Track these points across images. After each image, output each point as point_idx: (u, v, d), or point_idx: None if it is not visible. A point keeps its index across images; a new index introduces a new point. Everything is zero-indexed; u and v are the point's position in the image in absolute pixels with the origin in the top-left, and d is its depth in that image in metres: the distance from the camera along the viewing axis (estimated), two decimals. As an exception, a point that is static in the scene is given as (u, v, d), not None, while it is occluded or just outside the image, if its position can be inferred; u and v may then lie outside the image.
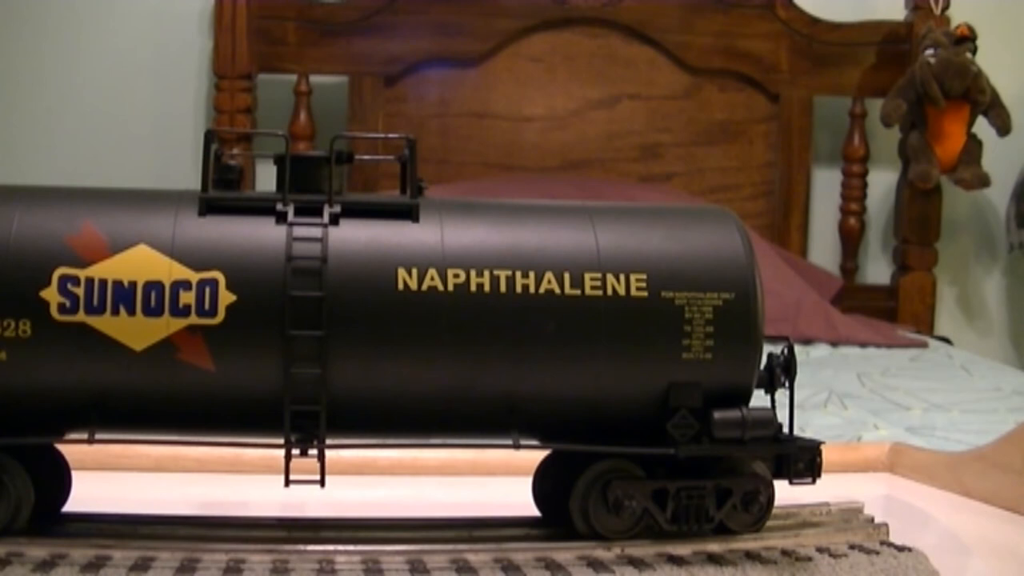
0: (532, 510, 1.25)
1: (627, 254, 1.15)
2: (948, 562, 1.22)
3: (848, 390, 2.62)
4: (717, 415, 1.14)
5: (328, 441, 1.11)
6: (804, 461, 1.19)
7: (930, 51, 3.69)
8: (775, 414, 1.18)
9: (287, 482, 1.11)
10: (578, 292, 1.13)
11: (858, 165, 3.90)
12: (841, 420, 2.32)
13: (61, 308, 1.07)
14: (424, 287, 1.11)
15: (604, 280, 1.14)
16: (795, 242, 3.90)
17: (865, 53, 3.87)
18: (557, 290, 1.13)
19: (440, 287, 1.11)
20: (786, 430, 1.20)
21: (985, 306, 4.17)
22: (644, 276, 1.14)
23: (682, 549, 1.14)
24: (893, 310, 3.87)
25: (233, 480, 1.58)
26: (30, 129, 3.79)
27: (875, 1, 3.97)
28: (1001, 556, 1.43)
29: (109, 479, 1.52)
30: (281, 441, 1.11)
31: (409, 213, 1.14)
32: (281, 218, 1.12)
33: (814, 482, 1.20)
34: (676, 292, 1.14)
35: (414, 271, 1.11)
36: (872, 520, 1.27)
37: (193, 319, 1.08)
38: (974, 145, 3.78)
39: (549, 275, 1.13)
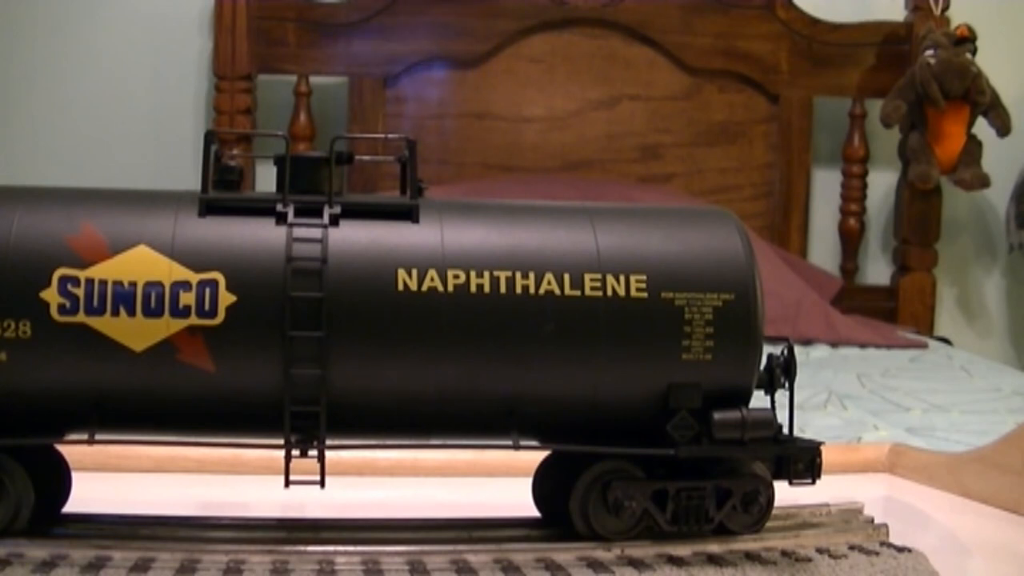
0: (532, 511, 1.25)
1: (627, 255, 1.15)
2: (948, 563, 1.22)
3: (848, 391, 2.62)
4: (717, 416, 1.14)
5: (328, 442, 1.11)
6: (804, 462, 1.19)
7: (930, 52, 3.69)
8: (775, 415, 1.18)
9: (287, 483, 1.10)
10: (578, 293, 1.13)
11: (858, 166, 3.90)
12: (841, 421, 2.31)
13: (61, 309, 1.07)
14: (424, 288, 1.11)
15: (604, 281, 1.14)
16: (795, 242, 3.89)
17: (865, 54, 3.87)
18: (557, 291, 1.13)
19: (440, 288, 1.11)
20: (786, 431, 1.20)
21: (985, 307, 4.17)
22: (644, 277, 1.14)
23: (682, 550, 1.14)
24: (893, 311, 3.87)
25: (233, 481, 1.58)
26: (30, 129, 3.78)
27: (875, 1, 3.97)
28: (1001, 557, 1.43)
29: (109, 479, 1.52)
30: (281, 442, 1.10)
31: (409, 214, 1.14)
32: (281, 219, 1.12)
33: (814, 483, 1.20)
34: (676, 293, 1.14)
35: (414, 272, 1.11)
36: (872, 521, 1.27)
37: (193, 320, 1.08)
38: (974, 146, 3.78)
39: (549, 276, 1.13)
